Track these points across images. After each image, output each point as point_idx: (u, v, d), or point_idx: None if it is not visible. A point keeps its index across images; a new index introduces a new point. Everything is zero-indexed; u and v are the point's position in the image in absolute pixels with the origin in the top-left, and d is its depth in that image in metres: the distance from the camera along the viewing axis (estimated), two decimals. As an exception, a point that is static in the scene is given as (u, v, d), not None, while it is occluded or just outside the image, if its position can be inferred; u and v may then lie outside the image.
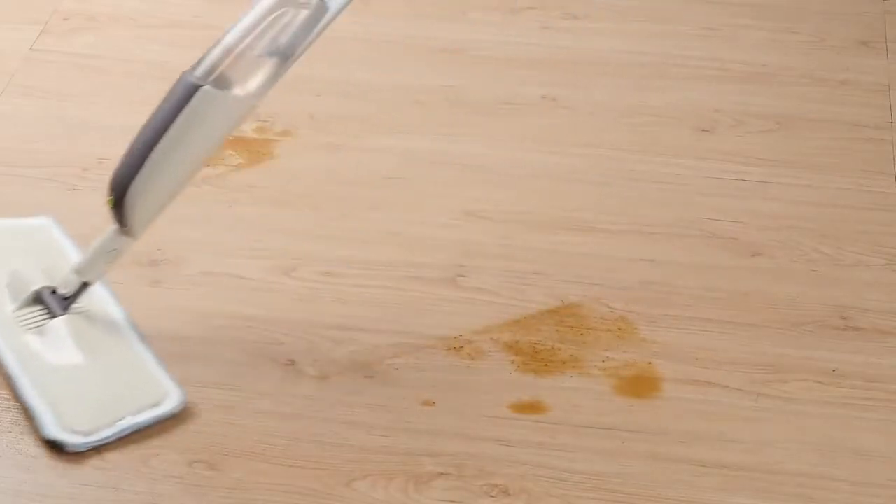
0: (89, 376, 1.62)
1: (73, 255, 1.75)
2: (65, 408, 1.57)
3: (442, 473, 1.54)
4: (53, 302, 1.67)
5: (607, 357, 1.68)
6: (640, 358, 1.69)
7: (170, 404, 1.59)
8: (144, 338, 1.67)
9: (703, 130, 2.03)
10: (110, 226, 1.61)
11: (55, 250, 1.78)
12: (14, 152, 1.97)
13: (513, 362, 1.68)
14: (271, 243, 1.83)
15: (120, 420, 1.56)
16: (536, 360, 1.68)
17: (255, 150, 1.98)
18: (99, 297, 1.70)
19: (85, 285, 1.66)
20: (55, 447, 1.54)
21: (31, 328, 1.66)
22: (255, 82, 1.56)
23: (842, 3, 2.30)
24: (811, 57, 2.18)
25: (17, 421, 1.58)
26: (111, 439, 1.55)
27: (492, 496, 1.52)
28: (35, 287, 1.69)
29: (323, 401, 1.62)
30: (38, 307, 1.68)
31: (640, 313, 1.74)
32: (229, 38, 1.56)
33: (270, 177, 1.94)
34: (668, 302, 1.76)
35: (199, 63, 1.56)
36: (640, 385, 1.65)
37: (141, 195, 1.57)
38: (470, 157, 1.98)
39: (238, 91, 1.55)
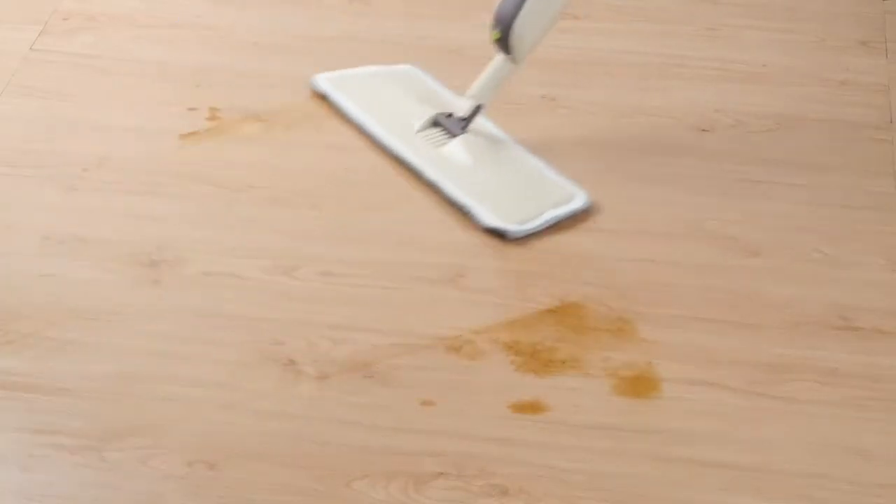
0: (505, 179, 1.90)
1: (443, 90, 2.05)
2: (495, 203, 1.85)
3: (442, 473, 1.54)
4: (451, 124, 1.96)
5: (607, 357, 1.68)
6: (640, 358, 1.69)
7: (580, 200, 1.86)
8: (530, 151, 1.93)
9: (703, 130, 2.03)
10: (496, 57, 1.91)
11: (430, 85, 2.07)
12: (14, 152, 1.97)
13: (513, 362, 1.68)
14: (271, 243, 1.83)
15: (543, 213, 1.84)
16: (536, 360, 1.68)
17: (256, 151, 1.99)
18: (481, 123, 1.96)
19: (479, 108, 1.94)
20: (496, 234, 1.81)
21: (438, 145, 1.94)
22: None
23: (842, 3, 2.30)
24: (811, 57, 2.18)
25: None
26: (540, 228, 1.82)
27: (491, 496, 1.52)
28: (432, 113, 1.97)
29: (323, 401, 1.62)
30: (438, 129, 1.96)
31: (640, 313, 1.74)
32: None
33: (270, 177, 1.94)
34: (668, 302, 1.76)
35: None
36: (640, 385, 1.65)
37: (523, 28, 1.87)
38: (470, 157, 1.98)
39: None
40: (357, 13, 2.27)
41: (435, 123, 1.97)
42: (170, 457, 1.55)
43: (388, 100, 2.04)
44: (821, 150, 2.00)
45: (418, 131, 1.96)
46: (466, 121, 1.95)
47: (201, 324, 1.71)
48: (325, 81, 2.06)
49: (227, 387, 1.63)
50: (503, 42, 1.89)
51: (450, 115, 1.97)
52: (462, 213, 1.84)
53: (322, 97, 2.05)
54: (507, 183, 1.90)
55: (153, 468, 1.54)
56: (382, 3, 2.29)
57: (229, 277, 1.78)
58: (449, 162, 1.92)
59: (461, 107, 1.96)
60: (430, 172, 1.90)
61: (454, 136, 1.95)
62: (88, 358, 1.66)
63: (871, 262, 1.82)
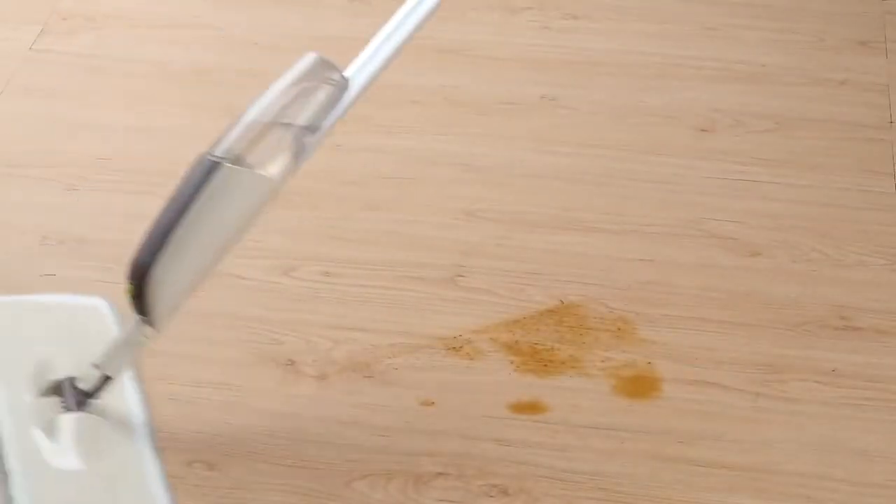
0: (83, 485, 1.47)
1: (108, 337, 1.61)
2: None
3: (442, 473, 1.54)
4: (71, 395, 1.54)
5: (607, 357, 1.68)
6: (640, 358, 1.69)
7: None
8: (157, 448, 1.53)
9: (703, 130, 2.03)
10: (135, 317, 1.48)
11: (99, 336, 1.62)
12: (14, 152, 1.97)
13: (512, 362, 1.68)
14: (271, 243, 1.83)
15: None
16: (536, 360, 1.68)
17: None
18: (121, 394, 1.56)
19: (106, 380, 1.52)
20: None
21: (40, 422, 1.52)
22: (278, 162, 1.46)
23: (842, 3, 2.29)
24: (811, 57, 2.18)
25: None
26: None
27: (491, 496, 1.52)
28: (57, 376, 1.56)
29: (323, 401, 1.62)
30: (58, 398, 1.54)
31: (640, 313, 1.74)
32: (249, 116, 1.47)
33: (270, 177, 1.94)
34: (668, 302, 1.76)
35: (218, 142, 1.47)
36: (639, 385, 1.65)
37: (163, 282, 1.42)
38: (470, 157, 1.98)
39: (260, 170, 1.44)
40: (357, 13, 2.27)
41: (58, 390, 1.54)
42: (170, 457, 1.55)
43: (30, 349, 1.60)
44: (821, 150, 2.00)
45: (39, 395, 1.54)
46: (88, 395, 1.52)
47: (201, 324, 1.71)
48: None
49: (227, 387, 1.63)
50: (138, 299, 1.42)
51: (73, 382, 1.54)
52: None
53: None
54: (86, 493, 1.46)
55: (153, 468, 1.54)
56: (382, 3, 2.28)
57: (229, 277, 1.78)
58: (37, 447, 1.49)
59: (85, 375, 1.53)
60: (10, 458, 1.48)
61: (69, 410, 1.52)
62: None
63: (871, 262, 1.82)
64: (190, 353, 1.67)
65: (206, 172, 1.44)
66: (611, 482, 1.54)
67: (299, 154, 1.48)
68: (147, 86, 2.10)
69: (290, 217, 1.87)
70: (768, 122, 2.05)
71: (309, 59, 1.49)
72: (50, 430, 1.51)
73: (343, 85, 1.51)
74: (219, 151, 1.45)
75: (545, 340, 1.71)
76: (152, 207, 1.87)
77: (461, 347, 1.69)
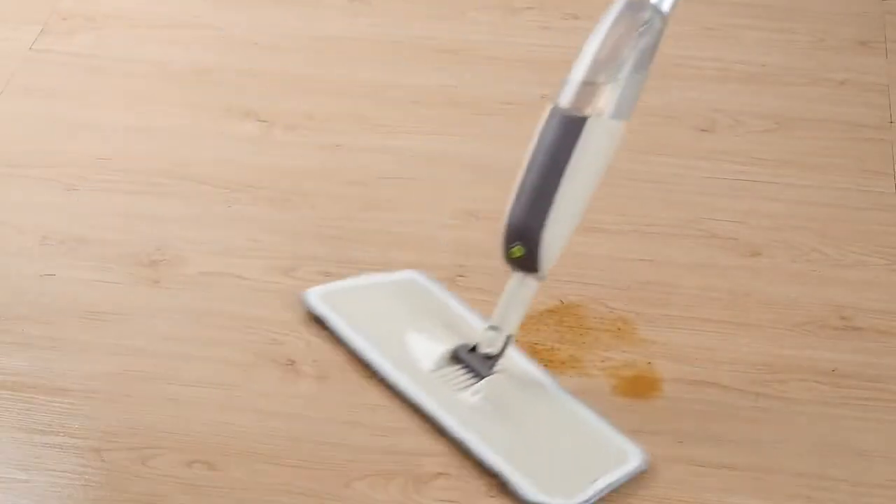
0: (547, 437, 1.57)
1: (455, 305, 1.71)
2: (538, 469, 1.52)
3: (442, 473, 1.54)
4: (475, 361, 1.61)
5: (607, 357, 1.68)
6: (640, 358, 1.69)
7: (635, 460, 1.54)
8: (572, 393, 1.61)
9: (703, 130, 2.03)
10: (515, 276, 1.57)
11: (439, 300, 1.73)
12: (14, 152, 1.97)
13: (513, 362, 1.68)
14: (271, 243, 1.83)
15: (594, 481, 1.51)
16: (536, 359, 1.68)
17: (256, 151, 1.99)
18: (511, 357, 1.63)
19: (509, 339, 1.60)
20: None
21: (460, 389, 1.60)
22: (622, 104, 1.52)
23: (842, 3, 2.30)
24: (811, 57, 2.18)
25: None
26: (592, 501, 1.50)
27: (491, 496, 1.52)
28: (450, 346, 1.63)
29: (322, 401, 1.62)
30: (458, 367, 1.62)
31: (640, 313, 1.74)
32: (584, 63, 1.53)
33: (270, 177, 1.94)
34: (668, 302, 1.76)
35: (562, 96, 1.52)
36: (639, 385, 1.65)
37: (551, 239, 1.52)
38: (470, 157, 1.98)
39: (608, 114, 1.51)
40: (357, 13, 2.27)
41: (454, 358, 1.63)
42: (170, 457, 1.55)
43: (395, 324, 1.69)
44: (821, 150, 2.00)
45: (435, 370, 1.62)
46: (495, 358, 1.61)
47: (201, 324, 1.71)
48: (318, 300, 1.71)
49: (227, 387, 1.63)
50: (528, 259, 1.54)
51: (473, 349, 1.63)
52: (497, 479, 1.53)
53: (316, 319, 1.72)
54: (550, 442, 1.57)
55: (153, 468, 1.54)
56: (382, 3, 2.29)
57: (229, 277, 1.78)
58: (478, 413, 1.58)
59: (486, 339, 1.61)
60: (454, 427, 1.57)
61: (480, 376, 1.61)
62: (88, 358, 1.67)
63: (871, 262, 1.82)
64: (190, 353, 1.67)
65: (573, 129, 1.51)
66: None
67: (636, 92, 1.54)
68: (147, 86, 2.10)
69: (290, 217, 1.87)
70: (768, 122, 2.05)
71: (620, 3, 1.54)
72: (476, 395, 1.59)
73: (657, 21, 1.54)
74: (566, 104, 1.51)
75: (545, 340, 1.70)
76: (152, 207, 1.88)
77: (461, 347, 1.69)
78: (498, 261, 1.81)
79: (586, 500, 1.50)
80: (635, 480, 1.54)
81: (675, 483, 1.54)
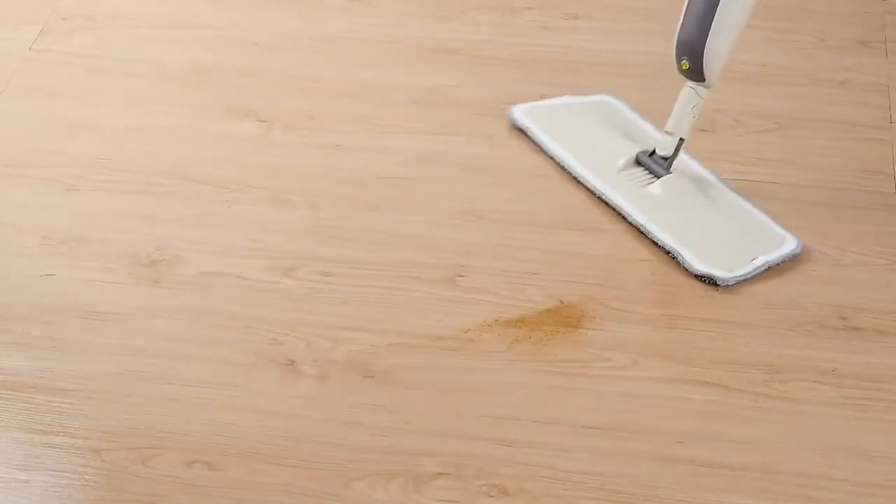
0: (714, 223, 1.84)
1: (643, 123, 2.00)
2: (705, 248, 1.79)
3: (441, 473, 1.54)
4: (654, 163, 1.90)
5: (607, 357, 1.68)
6: (640, 358, 1.68)
7: (790, 245, 1.80)
8: (736, 191, 1.89)
9: (703, 130, 2.03)
10: (685, 85, 1.85)
11: (629, 118, 2.02)
12: (14, 152, 1.97)
13: (512, 362, 1.68)
14: (271, 243, 1.83)
15: (754, 259, 1.78)
16: (536, 359, 1.68)
17: (256, 151, 1.99)
18: (684, 160, 1.91)
19: (681, 143, 1.87)
20: (707, 281, 1.76)
21: (642, 185, 1.88)
22: None
23: (842, 3, 2.29)
24: (811, 57, 2.18)
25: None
26: (751, 275, 1.76)
27: (491, 496, 1.52)
28: (633, 151, 1.92)
29: (322, 401, 1.62)
30: (640, 168, 1.91)
31: (640, 313, 1.74)
32: None
33: (270, 177, 1.94)
34: (668, 302, 1.76)
35: None
36: (639, 385, 1.65)
37: (713, 52, 1.80)
38: (470, 157, 1.98)
39: None
40: (357, 13, 2.27)
41: (637, 162, 1.92)
42: (170, 457, 1.55)
43: (588, 135, 1.99)
44: (820, 150, 2.00)
45: (621, 170, 1.91)
46: (670, 159, 1.89)
47: (201, 324, 1.71)
48: (523, 115, 2.01)
49: (227, 387, 1.63)
50: (694, 70, 1.82)
51: (652, 153, 1.91)
52: (670, 256, 1.79)
53: (521, 131, 2.00)
54: (716, 227, 1.84)
55: (153, 468, 1.54)
56: (382, 3, 2.29)
57: (229, 277, 1.78)
58: (655, 203, 1.86)
59: (662, 143, 1.89)
60: (637, 215, 1.84)
61: (658, 175, 1.89)
62: (88, 358, 1.67)
63: (871, 262, 1.82)
64: (190, 353, 1.67)
65: None
66: (611, 482, 1.54)
67: None
68: (147, 86, 2.10)
69: (290, 217, 1.87)
70: (768, 122, 2.05)
71: None
72: (658, 190, 1.88)
73: None
74: None
75: (545, 340, 1.70)
76: (152, 207, 1.88)
77: (461, 347, 1.69)
78: (498, 261, 1.81)
79: (745, 274, 1.77)
80: (635, 481, 1.54)
81: (675, 483, 1.54)
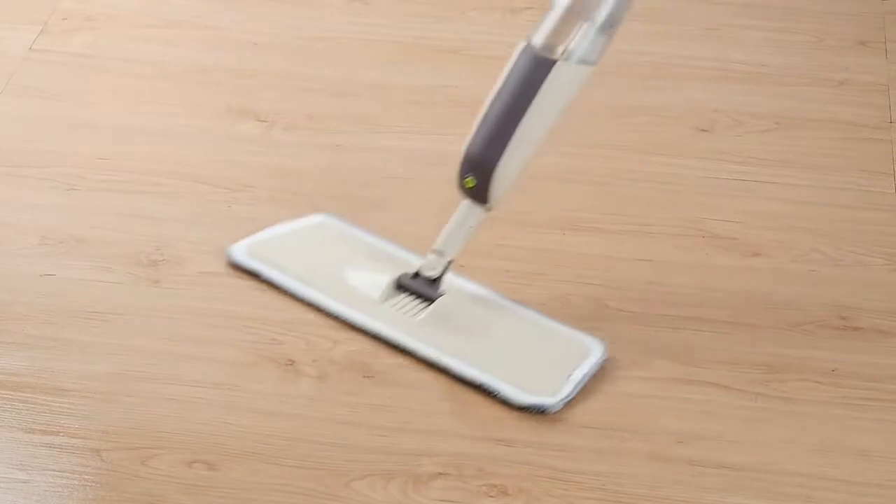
0: (513, 344, 1.66)
1: (375, 241, 1.79)
2: (515, 376, 1.61)
3: (441, 473, 1.54)
4: (420, 286, 1.70)
5: (607, 357, 1.68)
6: (640, 358, 1.68)
7: (597, 352, 1.65)
8: (519, 302, 1.72)
9: (703, 130, 2.03)
10: (463, 202, 1.66)
11: (357, 237, 1.80)
12: (13, 152, 1.97)
13: (513, 362, 1.68)
14: (271, 243, 1.83)
15: (570, 375, 1.62)
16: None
17: (256, 151, 1.99)
18: (448, 279, 1.72)
19: (449, 263, 1.69)
20: (535, 412, 1.59)
21: (415, 314, 1.69)
22: (592, 50, 1.59)
23: (842, 3, 2.30)
24: (811, 57, 2.18)
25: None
26: (574, 395, 1.61)
27: (491, 496, 1.52)
28: (392, 275, 1.71)
29: (322, 401, 1.62)
30: (404, 294, 1.70)
31: (640, 313, 1.74)
32: (561, 6, 1.60)
33: (270, 177, 1.94)
34: (668, 302, 1.76)
35: (537, 34, 1.61)
36: (639, 385, 1.65)
37: (504, 174, 1.61)
38: (470, 157, 1.98)
39: (583, 62, 1.60)
40: (356, 13, 2.26)
41: (399, 287, 1.71)
42: (170, 457, 1.55)
43: (328, 265, 1.76)
44: (820, 150, 2.00)
45: (384, 299, 1.70)
46: (437, 281, 1.69)
47: (201, 324, 1.71)
48: (244, 255, 1.76)
49: (226, 387, 1.63)
50: (479, 190, 1.63)
51: (416, 276, 1.70)
52: (482, 391, 1.62)
53: (247, 272, 1.77)
54: (517, 348, 1.66)
55: (153, 468, 1.54)
56: (382, 3, 2.29)
57: (229, 277, 1.78)
58: (438, 332, 1.66)
59: (429, 264, 1.69)
60: (424, 349, 1.65)
61: (429, 299, 1.69)
62: (88, 358, 1.66)
63: (871, 262, 1.82)
64: (190, 353, 1.67)
65: (541, 70, 1.59)
66: (611, 482, 1.54)
67: (606, 43, 1.60)
68: (147, 86, 2.10)
69: (290, 217, 1.87)
70: (768, 122, 2.05)
71: None
72: (434, 317, 1.68)
73: None
74: (539, 44, 1.59)
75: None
76: (152, 207, 1.88)
77: (461, 347, 1.69)
78: (498, 261, 1.81)
79: (570, 394, 1.60)
80: (635, 481, 1.54)
81: (675, 483, 1.54)
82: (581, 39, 1.58)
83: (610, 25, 1.58)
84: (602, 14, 1.57)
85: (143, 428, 1.58)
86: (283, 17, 2.25)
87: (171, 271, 1.78)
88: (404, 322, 1.67)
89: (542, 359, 1.65)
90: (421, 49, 2.19)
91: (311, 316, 1.72)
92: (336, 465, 1.55)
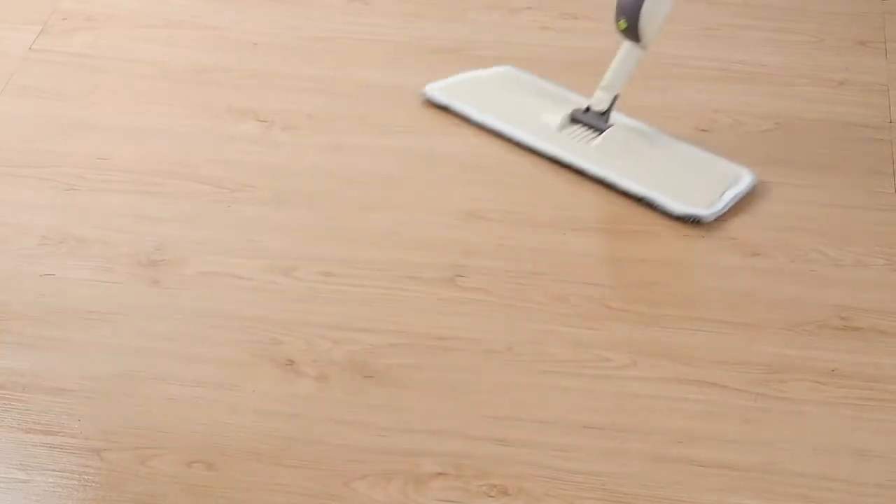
0: (672, 166, 1.92)
1: (551, 86, 2.06)
2: (675, 191, 1.86)
3: (441, 473, 1.54)
4: (591, 119, 1.97)
5: (607, 357, 1.68)
6: (639, 357, 1.68)
7: (748, 178, 1.91)
8: (676, 137, 1.97)
9: (703, 130, 2.03)
10: (623, 44, 1.93)
11: (538, 83, 2.08)
12: (13, 152, 1.97)
13: (512, 362, 1.68)
14: (271, 243, 1.83)
15: (723, 194, 1.87)
16: (536, 360, 1.68)
17: (256, 151, 1.99)
18: (615, 115, 1.97)
19: (616, 98, 1.95)
20: (690, 221, 1.84)
21: (588, 141, 1.95)
22: None
23: (842, 3, 2.30)
24: (810, 57, 2.18)
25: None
26: (725, 209, 1.86)
27: (491, 496, 1.52)
28: (566, 110, 1.98)
29: (322, 401, 1.62)
30: (578, 126, 1.97)
31: (640, 313, 1.74)
32: None
33: (270, 177, 1.94)
34: (668, 302, 1.76)
35: None
36: (639, 385, 1.65)
37: (649, 13, 1.89)
38: (469, 157, 1.98)
39: None
40: (356, 13, 2.27)
41: (573, 120, 1.98)
42: (170, 457, 1.55)
43: (511, 102, 2.04)
44: (820, 150, 2.00)
45: (560, 129, 1.97)
46: (606, 113, 1.96)
47: (201, 324, 1.71)
48: (440, 92, 2.05)
49: (226, 387, 1.63)
50: (631, 31, 1.90)
51: (587, 110, 1.97)
52: (644, 204, 1.86)
53: (441, 108, 2.04)
54: (677, 170, 1.92)
55: (153, 468, 1.54)
56: (382, 3, 2.29)
57: (229, 277, 1.78)
58: (608, 156, 1.93)
59: (598, 99, 1.96)
60: (596, 169, 1.91)
61: (599, 130, 1.96)
62: (88, 358, 1.67)
63: (871, 262, 1.82)
64: (190, 353, 1.67)
65: None
66: (611, 482, 1.54)
67: None
68: (147, 86, 2.10)
69: (290, 217, 1.87)
70: (767, 122, 2.05)
71: None
72: (605, 144, 1.94)
73: None
74: None
75: (545, 340, 1.70)
76: (152, 207, 1.88)
77: (461, 347, 1.69)
78: (498, 261, 1.81)
79: (722, 209, 1.86)
80: (635, 481, 1.54)
81: (675, 483, 1.54)
82: None
83: None
84: None
85: (143, 428, 1.58)
86: (283, 17, 2.25)
87: (171, 271, 1.78)
88: (579, 148, 1.94)
89: (699, 180, 1.90)
90: (421, 49, 2.19)
91: (312, 316, 1.72)
92: (336, 465, 1.55)
